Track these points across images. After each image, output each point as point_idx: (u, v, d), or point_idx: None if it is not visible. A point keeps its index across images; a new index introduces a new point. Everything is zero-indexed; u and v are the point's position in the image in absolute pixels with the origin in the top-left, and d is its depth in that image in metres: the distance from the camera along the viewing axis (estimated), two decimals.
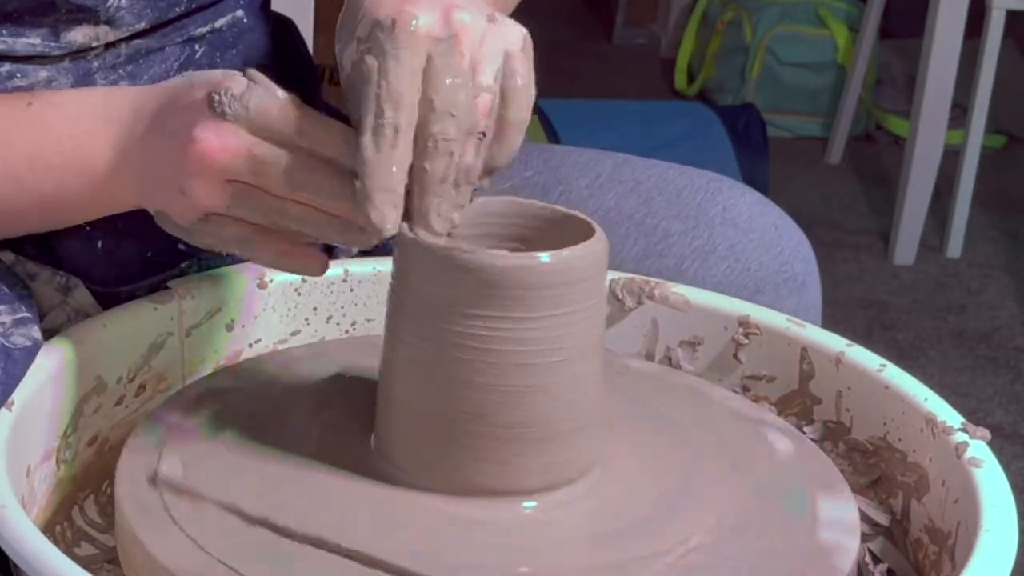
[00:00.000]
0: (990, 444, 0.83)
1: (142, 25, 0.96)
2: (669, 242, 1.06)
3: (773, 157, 2.93)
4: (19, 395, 0.82)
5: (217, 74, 0.81)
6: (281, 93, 0.79)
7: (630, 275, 0.99)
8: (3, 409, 0.81)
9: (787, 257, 1.07)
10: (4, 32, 0.93)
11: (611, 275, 0.97)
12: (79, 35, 0.95)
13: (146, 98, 0.85)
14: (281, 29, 1.13)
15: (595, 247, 0.78)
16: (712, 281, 1.04)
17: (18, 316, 0.87)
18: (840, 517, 0.80)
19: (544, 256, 0.76)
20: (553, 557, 0.75)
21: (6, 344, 0.83)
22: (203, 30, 1.01)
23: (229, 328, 0.95)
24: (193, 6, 0.99)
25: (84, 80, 0.96)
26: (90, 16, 0.94)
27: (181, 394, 0.88)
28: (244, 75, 0.80)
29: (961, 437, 0.83)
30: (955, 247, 3.00)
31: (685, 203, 1.08)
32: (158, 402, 0.89)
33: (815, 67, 3.60)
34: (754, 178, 2.70)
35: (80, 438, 0.88)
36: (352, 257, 1.04)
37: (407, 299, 0.78)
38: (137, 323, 0.91)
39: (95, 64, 0.96)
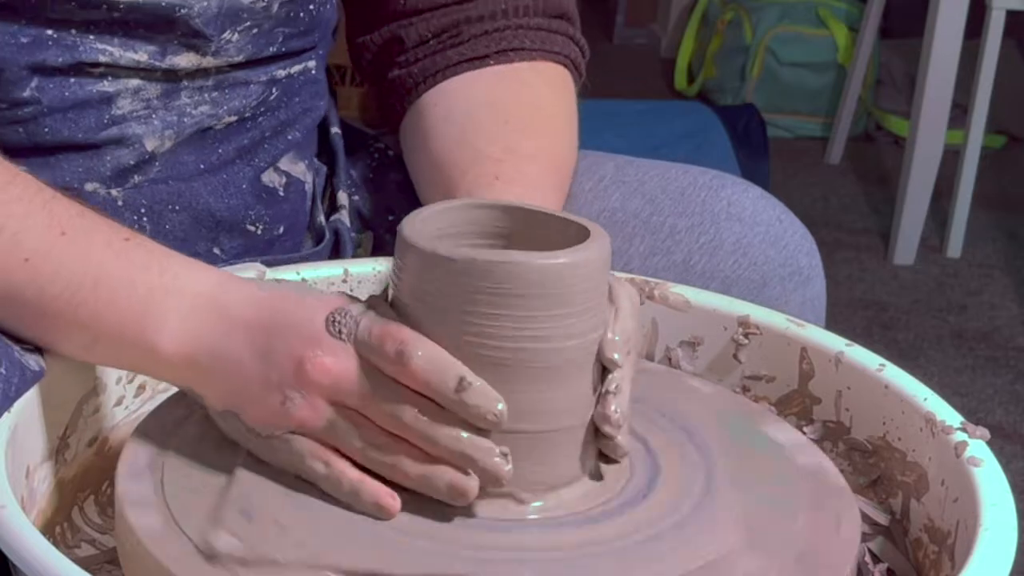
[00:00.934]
0: (990, 444, 0.83)
1: (240, 59, 1.01)
2: (676, 239, 1.07)
3: (773, 157, 2.93)
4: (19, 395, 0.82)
5: (332, 296, 0.80)
6: (395, 325, 0.77)
7: (630, 275, 0.99)
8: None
9: (793, 251, 1.07)
10: (115, 42, 0.96)
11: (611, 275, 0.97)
12: (183, 60, 0.99)
13: (244, 305, 0.80)
14: None
15: (599, 248, 0.78)
16: (720, 275, 1.05)
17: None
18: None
19: (548, 257, 0.76)
20: (555, 558, 0.75)
21: (22, 362, 0.83)
22: (282, 73, 1.05)
23: None
24: (284, 50, 1.04)
25: (170, 95, 0.99)
26: (203, 45, 0.98)
27: (181, 394, 0.88)
28: (364, 302, 0.80)
29: (960, 437, 0.83)
30: (955, 247, 3.00)
31: (689, 200, 1.08)
32: (158, 402, 0.89)
33: (815, 67, 3.60)
34: (754, 178, 2.68)
35: (80, 438, 0.88)
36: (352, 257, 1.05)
37: (407, 300, 0.78)
38: None
39: (184, 82, 1.00)
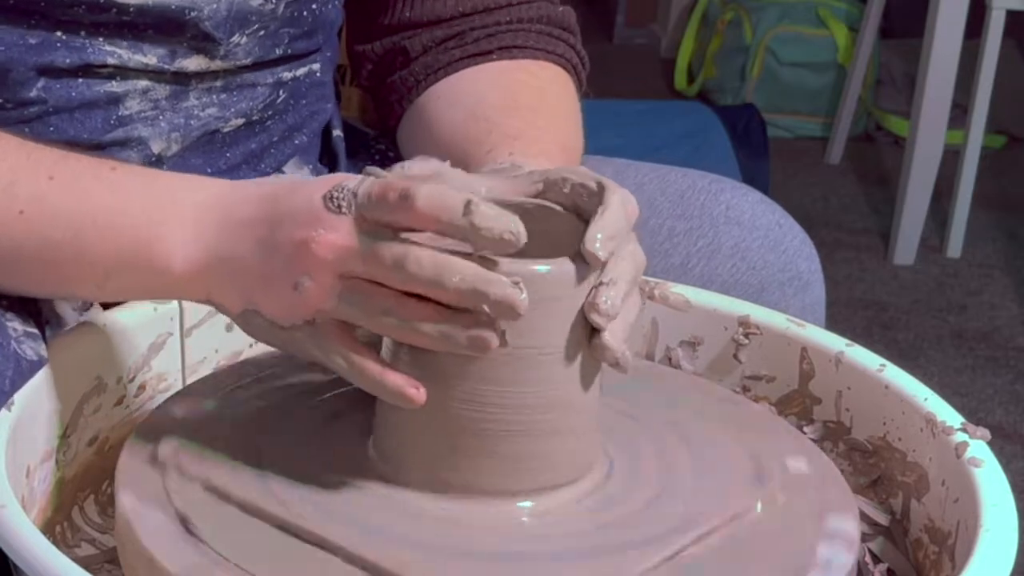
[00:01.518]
0: (990, 444, 0.83)
1: (248, 61, 1.01)
2: (674, 241, 1.07)
3: (773, 157, 2.93)
4: (19, 395, 0.82)
5: (332, 177, 0.79)
6: (397, 179, 0.76)
7: None
8: (3, 409, 0.81)
9: (792, 256, 1.07)
10: (124, 45, 0.96)
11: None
12: (192, 64, 0.99)
13: (243, 204, 0.80)
14: None
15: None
16: (718, 280, 1.05)
17: (28, 329, 0.87)
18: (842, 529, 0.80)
19: (540, 267, 0.76)
20: (547, 559, 0.75)
21: (18, 351, 0.83)
22: (288, 76, 1.05)
23: (229, 328, 0.95)
24: (289, 52, 1.03)
25: (179, 95, 0.99)
26: (212, 48, 0.98)
27: (181, 394, 0.88)
28: (362, 172, 0.78)
29: (961, 437, 0.83)
30: (955, 247, 3.00)
31: (689, 203, 1.08)
32: (158, 402, 0.89)
33: (815, 67, 3.60)
34: (754, 178, 2.70)
35: (80, 438, 0.88)
36: None
37: None
38: (137, 323, 0.91)
39: (193, 83, 1.00)
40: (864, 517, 0.86)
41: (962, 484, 0.81)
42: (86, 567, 0.70)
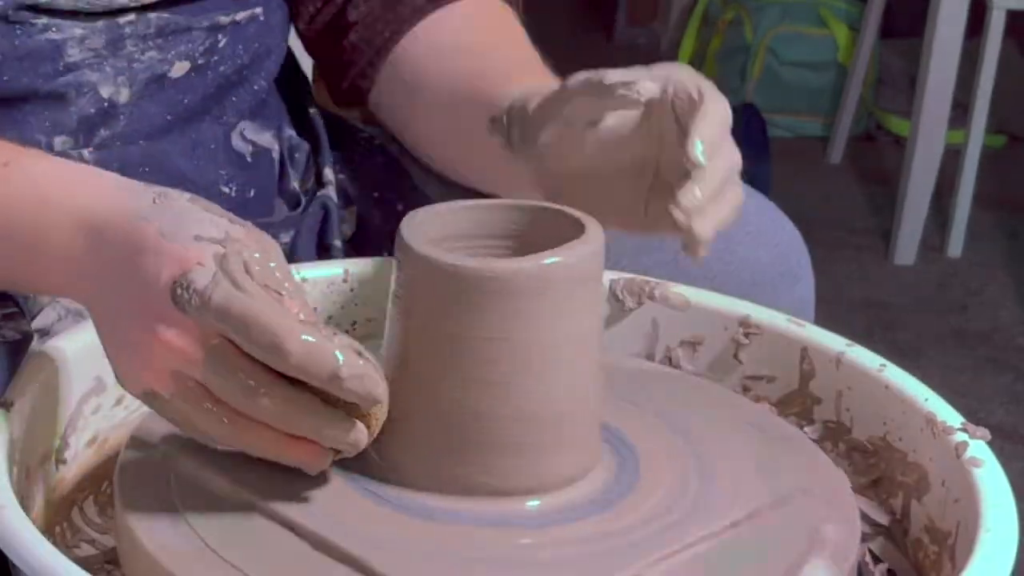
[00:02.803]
0: (990, 444, 0.83)
1: None
2: (664, 236, 1.06)
3: (773, 157, 2.93)
4: (19, 395, 0.82)
5: (184, 247, 0.73)
6: (250, 285, 0.72)
7: (630, 275, 0.99)
8: (3, 409, 0.81)
9: (783, 251, 1.07)
10: None
11: (611, 275, 0.97)
12: None
13: (112, 215, 0.77)
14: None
15: (590, 245, 0.78)
16: (709, 274, 1.04)
17: (7, 311, 0.87)
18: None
19: (541, 259, 0.76)
20: (553, 558, 0.75)
21: None
22: (226, 19, 1.05)
23: None
24: None
25: (116, 44, 1.00)
26: None
27: None
28: (225, 235, 0.74)
29: (961, 437, 0.83)
30: (956, 247, 3.00)
31: None
32: None
33: (815, 67, 3.59)
34: (755, 178, 2.69)
35: (80, 438, 0.88)
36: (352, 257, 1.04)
37: (407, 302, 0.79)
38: None
39: (127, 30, 1.01)
40: (864, 517, 0.86)
41: (962, 484, 0.81)
42: (86, 567, 0.70)
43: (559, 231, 0.80)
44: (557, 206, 0.83)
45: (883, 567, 0.87)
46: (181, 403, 0.74)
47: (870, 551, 0.87)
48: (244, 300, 0.71)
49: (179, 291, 0.72)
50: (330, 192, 1.12)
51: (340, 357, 0.71)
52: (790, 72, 3.59)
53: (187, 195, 0.77)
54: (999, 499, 0.79)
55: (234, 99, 1.07)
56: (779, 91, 3.58)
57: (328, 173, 1.14)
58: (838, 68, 3.57)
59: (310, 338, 0.70)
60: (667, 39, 4.09)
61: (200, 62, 1.05)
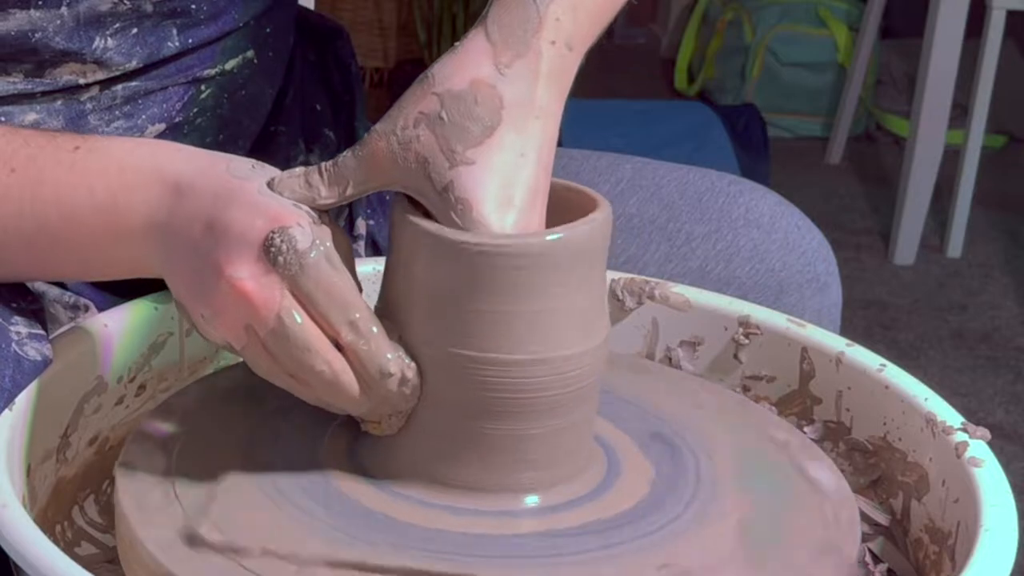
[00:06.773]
0: (990, 444, 0.83)
1: (134, 64, 0.94)
2: (692, 245, 1.06)
3: (773, 157, 2.93)
4: (19, 395, 0.82)
5: (282, 206, 0.75)
6: (338, 277, 0.75)
7: (630, 275, 0.99)
8: (4, 410, 0.81)
9: (810, 258, 1.07)
10: None
11: (612, 275, 0.97)
12: (65, 72, 0.92)
13: (198, 174, 0.77)
14: (323, 47, 1.12)
15: (596, 221, 0.77)
16: (736, 282, 1.05)
17: (33, 331, 0.86)
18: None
19: (545, 234, 0.75)
20: (553, 553, 0.75)
21: (19, 352, 0.83)
22: (211, 72, 0.98)
23: None
24: (190, 43, 0.96)
25: (77, 122, 0.94)
26: (75, 58, 0.92)
27: (181, 394, 0.88)
28: (315, 218, 0.75)
29: (961, 437, 0.83)
30: (955, 247, 3.00)
31: (707, 206, 1.07)
32: (158, 402, 0.89)
33: (815, 67, 3.60)
34: (755, 178, 2.69)
35: (80, 438, 0.88)
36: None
37: (404, 287, 0.78)
38: (137, 323, 0.91)
39: (88, 105, 0.94)
40: (864, 517, 0.86)
41: (962, 484, 0.81)
42: (86, 567, 0.70)
43: (562, 204, 0.79)
44: (566, 182, 0.81)
45: (883, 567, 0.87)
46: (252, 355, 0.76)
47: (870, 551, 0.88)
48: (335, 272, 0.75)
49: (277, 243, 0.73)
50: (359, 247, 1.08)
51: (390, 357, 0.75)
52: (790, 72, 3.59)
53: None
54: (999, 499, 0.79)
55: (229, 149, 1.01)
56: (779, 91, 3.59)
57: (360, 225, 1.09)
58: (838, 68, 3.58)
59: (376, 328, 0.75)
60: (666, 39, 4.09)
61: (178, 120, 0.98)
